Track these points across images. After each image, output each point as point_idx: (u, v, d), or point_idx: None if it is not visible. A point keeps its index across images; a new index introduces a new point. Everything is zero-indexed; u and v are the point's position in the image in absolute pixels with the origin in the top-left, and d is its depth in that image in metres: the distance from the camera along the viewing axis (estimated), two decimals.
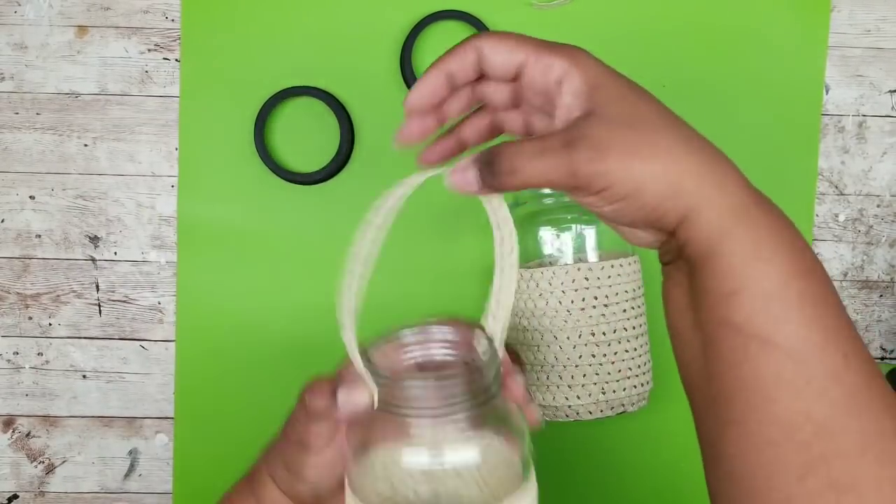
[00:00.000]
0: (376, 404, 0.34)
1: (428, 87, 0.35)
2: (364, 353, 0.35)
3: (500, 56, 0.34)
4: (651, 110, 0.32)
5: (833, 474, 0.28)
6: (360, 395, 0.34)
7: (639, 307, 0.52)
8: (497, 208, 0.35)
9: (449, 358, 0.35)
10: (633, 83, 0.33)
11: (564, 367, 0.50)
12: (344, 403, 0.34)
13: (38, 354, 0.60)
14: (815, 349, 0.29)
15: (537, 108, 0.35)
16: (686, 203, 0.31)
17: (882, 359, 0.61)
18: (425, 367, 0.35)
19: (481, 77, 0.36)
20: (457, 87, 0.36)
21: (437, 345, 0.36)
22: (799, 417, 0.29)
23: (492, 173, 0.33)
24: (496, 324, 0.35)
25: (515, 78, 0.34)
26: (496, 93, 0.36)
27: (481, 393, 0.33)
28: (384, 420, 0.34)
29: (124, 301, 0.60)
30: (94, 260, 0.60)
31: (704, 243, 0.31)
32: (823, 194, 0.60)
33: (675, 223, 0.32)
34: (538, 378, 0.51)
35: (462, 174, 0.34)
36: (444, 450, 0.33)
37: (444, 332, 0.35)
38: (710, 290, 0.31)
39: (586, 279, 0.50)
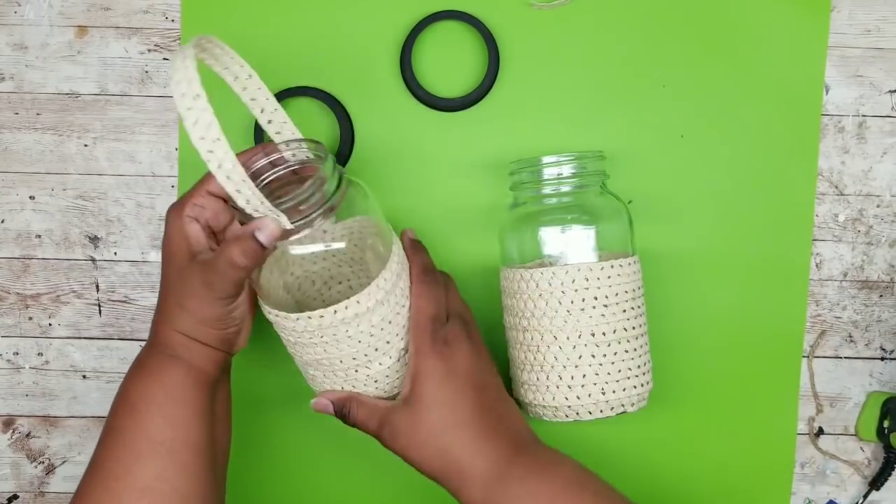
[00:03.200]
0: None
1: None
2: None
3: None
4: (443, 414, 0.47)
5: None
6: (274, 228, 0.43)
7: (639, 307, 0.52)
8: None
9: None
10: (449, 374, 0.48)
11: (564, 367, 0.50)
12: (269, 241, 0.43)
13: (38, 354, 0.60)
14: None
15: None
16: (449, 486, 0.47)
17: (882, 359, 0.61)
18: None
19: None
20: None
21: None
22: None
23: (342, 418, 0.50)
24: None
25: None
26: None
27: (331, 190, 0.45)
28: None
29: (124, 301, 0.60)
30: (94, 260, 0.60)
31: None
32: (823, 194, 0.60)
33: (456, 494, 0.47)
34: (538, 378, 0.51)
35: (324, 408, 0.50)
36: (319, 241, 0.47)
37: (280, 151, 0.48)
38: None
39: (586, 279, 0.50)
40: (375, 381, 0.50)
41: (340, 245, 0.49)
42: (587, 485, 0.47)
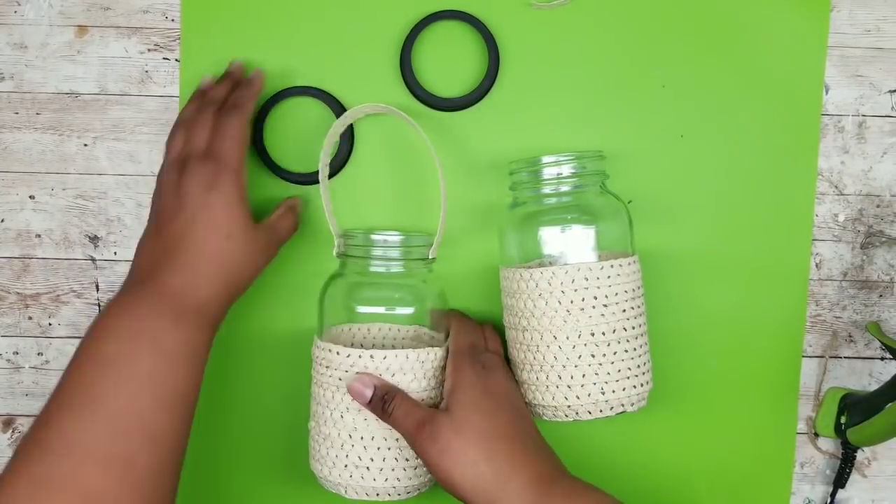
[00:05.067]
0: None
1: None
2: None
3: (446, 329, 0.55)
4: (482, 423, 0.47)
5: None
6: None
7: (638, 307, 0.52)
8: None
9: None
10: (487, 391, 0.49)
11: (564, 367, 0.50)
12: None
13: (38, 354, 0.60)
14: None
15: None
16: (484, 495, 0.45)
17: (882, 359, 0.61)
18: None
19: None
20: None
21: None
22: None
23: (381, 405, 0.49)
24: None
25: None
26: None
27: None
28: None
29: None
30: (93, 260, 0.60)
31: None
32: (823, 194, 0.60)
33: None
34: (538, 378, 0.51)
35: (361, 390, 0.49)
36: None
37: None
38: None
39: (586, 279, 0.50)
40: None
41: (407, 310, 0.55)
42: None
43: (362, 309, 0.55)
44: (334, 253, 0.54)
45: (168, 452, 0.44)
